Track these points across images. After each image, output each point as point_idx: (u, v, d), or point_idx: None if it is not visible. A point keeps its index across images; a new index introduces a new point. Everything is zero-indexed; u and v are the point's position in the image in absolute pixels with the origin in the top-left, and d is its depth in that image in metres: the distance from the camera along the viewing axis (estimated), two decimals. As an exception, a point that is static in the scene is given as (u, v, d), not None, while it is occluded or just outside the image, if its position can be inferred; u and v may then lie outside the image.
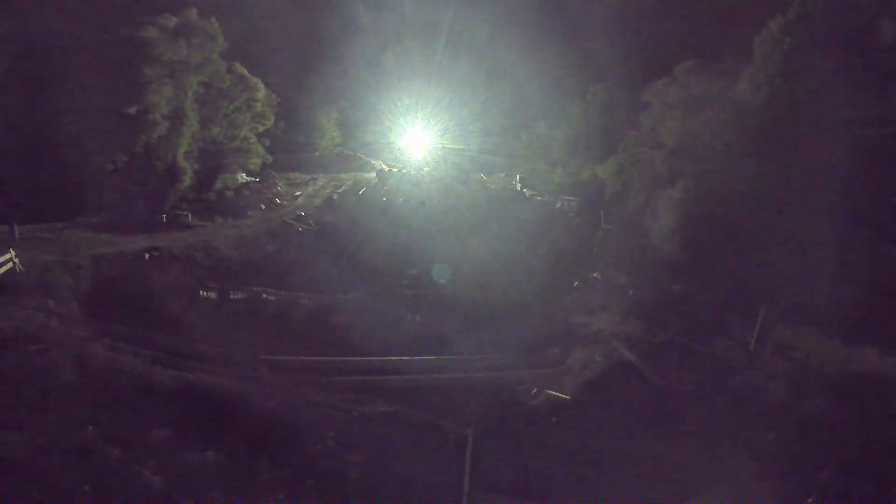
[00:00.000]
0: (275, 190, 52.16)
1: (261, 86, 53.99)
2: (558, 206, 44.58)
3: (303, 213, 41.85)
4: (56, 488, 7.86)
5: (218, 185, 46.65)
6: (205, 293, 16.80)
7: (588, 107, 72.55)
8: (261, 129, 54.14)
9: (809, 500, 7.70)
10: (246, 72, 49.80)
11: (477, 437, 5.99)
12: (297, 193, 53.78)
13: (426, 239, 33.10)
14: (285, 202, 49.07)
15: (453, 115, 70.45)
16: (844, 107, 30.16)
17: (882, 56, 30.20)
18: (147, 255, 23.78)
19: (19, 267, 18.19)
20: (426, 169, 59.19)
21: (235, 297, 16.55)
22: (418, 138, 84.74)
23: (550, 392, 9.58)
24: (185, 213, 38.24)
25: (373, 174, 62.97)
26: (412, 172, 56.69)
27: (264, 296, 16.42)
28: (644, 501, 6.68)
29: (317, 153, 78.79)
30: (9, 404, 9.83)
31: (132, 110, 32.31)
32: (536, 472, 5.62)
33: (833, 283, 29.79)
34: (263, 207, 44.99)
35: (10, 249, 20.98)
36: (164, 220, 35.61)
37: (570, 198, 45.98)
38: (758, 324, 12.28)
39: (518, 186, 64.79)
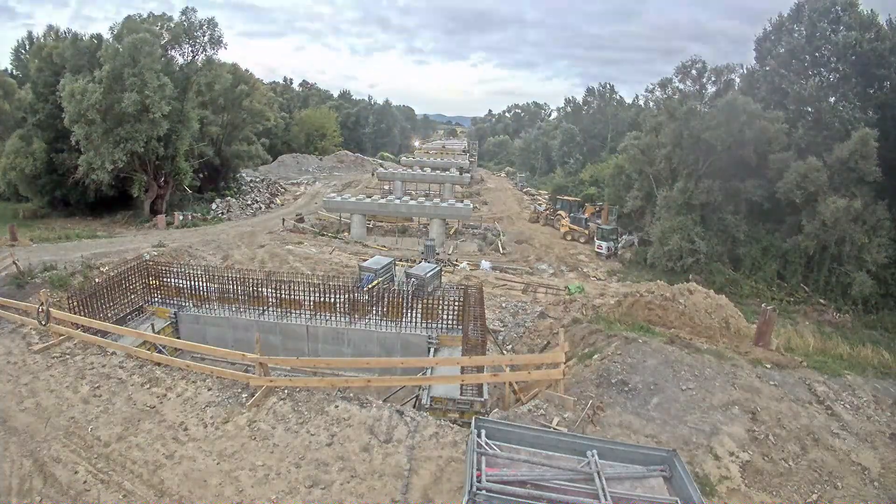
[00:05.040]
0: (275, 189, 52.27)
1: (261, 85, 54.14)
2: (558, 205, 44.58)
3: (303, 213, 41.90)
4: (57, 487, 7.85)
5: (219, 184, 46.73)
6: (205, 292, 16.75)
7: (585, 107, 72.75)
8: (261, 129, 54.29)
9: (809, 501, 7.68)
10: (247, 71, 49.97)
11: (477, 436, 6.03)
12: (298, 193, 53.94)
13: (426, 237, 33.14)
14: (286, 201, 49.21)
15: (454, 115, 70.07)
16: (841, 106, 30.08)
17: (874, 58, 30.18)
18: (147, 255, 23.81)
19: (19, 266, 18.20)
20: (426, 168, 59.28)
21: (235, 296, 16.50)
22: (418, 137, 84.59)
23: (550, 392, 9.56)
24: (186, 212, 38.35)
25: (372, 174, 63.17)
26: (412, 171, 56.79)
27: (264, 295, 16.38)
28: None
29: (317, 153, 79.08)
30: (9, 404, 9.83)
31: (132, 110, 32.32)
32: (538, 471, 5.66)
33: (832, 284, 29.89)
34: (263, 207, 45.10)
35: (10, 249, 21.01)
36: (165, 219, 35.72)
37: (571, 198, 46.00)
38: (757, 323, 12.25)
39: (518, 185, 65.03)
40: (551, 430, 8.20)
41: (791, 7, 33.53)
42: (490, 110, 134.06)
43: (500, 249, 35.33)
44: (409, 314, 15.56)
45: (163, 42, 35.92)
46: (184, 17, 37.12)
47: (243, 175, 53.30)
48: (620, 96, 73.99)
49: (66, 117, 32.93)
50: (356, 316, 15.71)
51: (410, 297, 15.85)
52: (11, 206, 40.75)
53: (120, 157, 33.51)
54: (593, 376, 10.09)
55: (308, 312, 15.84)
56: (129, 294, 16.32)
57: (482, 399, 11.34)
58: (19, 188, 39.04)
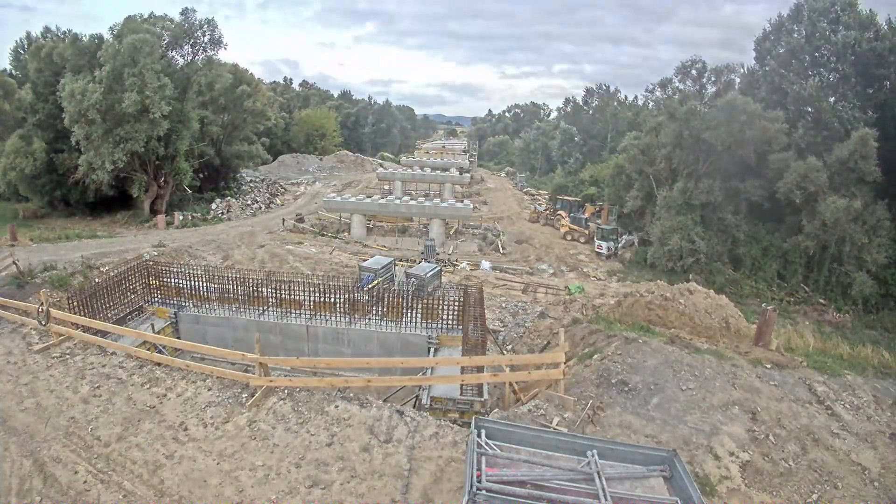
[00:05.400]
0: (275, 189, 52.28)
1: (262, 85, 54.13)
2: (558, 205, 44.57)
3: (303, 213, 41.90)
4: (57, 487, 7.85)
5: (219, 184, 46.73)
6: (205, 292, 16.75)
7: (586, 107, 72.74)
8: (261, 129, 54.28)
9: (809, 501, 7.68)
10: (248, 72, 49.96)
11: (477, 436, 6.04)
12: (298, 193, 53.95)
13: (426, 237, 33.15)
14: (286, 201, 49.21)
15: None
16: (841, 106, 30.08)
17: (871, 59, 30.17)
18: (147, 255, 23.82)
19: (19, 266, 18.20)
20: (426, 168, 59.29)
21: (235, 296, 16.51)
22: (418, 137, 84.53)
23: (550, 392, 9.56)
24: (186, 212, 38.37)
25: (373, 174, 63.19)
26: (412, 171, 56.78)
27: (264, 295, 16.39)
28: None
29: (317, 153, 79.11)
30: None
31: (132, 110, 32.32)
32: (538, 471, 5.68)
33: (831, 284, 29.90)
34: (263, 207, 45.09)
35: (10, 249, 21.01)
36: (165, 219, 35.73)
37: (571, 198, 46.00)
38: (757, 323, 12.26)
39: (518, 185, 65.00)
40: (551, 430, 8.21)
41: (790, 7, 33.58)
42: (490, 110, 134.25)
43: (500, 249, 35.33)
44: (409, 314, 15.55)
45: (163, 42, 35.93)
46: (183, 18, 37.16)
47: (243, 175, 53.29)
48: (625, 96, 74.11)
49: (66, 117, 32.96)
50: (356, 316, 15.71)
51: (410, 297, 15.85)
52: (11, 206, 40.77)
53: (120, 157, 33.52)
54: (593, 376, 10.09)
55: (308, 312, 15.85)
56: (129, 294, 16.32)
57: (482, 399, 11.34)
58: (19, 188, 39.05)
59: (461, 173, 58.20)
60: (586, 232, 38.03)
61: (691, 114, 32.78)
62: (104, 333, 12.47)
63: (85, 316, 13.52)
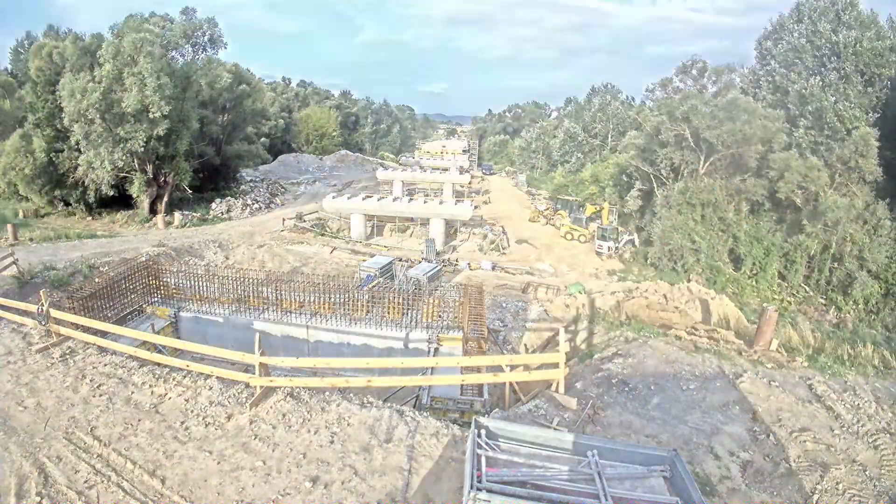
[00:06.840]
0: (275, 189, 52.26)
1: (262, 85, 54.16)
2: (558, 205, 44.56)
3: (303, 213, 41.88)
4: (57, 487, 7.84)
5: (219, 184, 46.71)
6: (205, 292, 16.74)
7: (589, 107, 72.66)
8: (261, 129, 54.24)
9: (809, 501, 7.66)
10: (248, 71, 49.94)
11: (477, 436, 6.06)
12: (298, 193, 53.93)
13: (426, 237, 33.15)
14: (286, 201, 49.19)
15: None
16: (842, 105, 30.04)
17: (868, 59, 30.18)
18: (147, 255, 23.81)
19: (19, 266, 18.21)
20: (426, 168, 59.27)
21: (235, 296, 16.49)
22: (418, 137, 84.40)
23: (550, 392, 9.56)
24: (186, 212, 38.36)
25: (373, 174, 63.17)
26: (412, 171, 56.76)
27: (264, 295, 16.37)
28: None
29: (317, 153, 79.09)
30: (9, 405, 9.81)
31: (132, 110, 32.30)
32: (538, 471, 5.70)
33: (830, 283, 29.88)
34: (263, 207, 45.08)
35: (11, 249, 21.01)
36: (165, 219, 35.73)
37: (571, 197, 45.99)
38: (758, 323, 12.25)
39: (518, 185, 64.98)
40: (551, 430, 8.20)
41: (791, 6, 33.58)
42: (490, 109, 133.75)
43: (501, 249, 35.31)
44: (409, 314, 15.55)
45: (163, 42, 35.92)
46: (184, 17, 37.14)
47: (243, 175, 53.27)
48: (627, 95, 74.00)
49: (65, 117, 32.94)
50: (356, 316, 15.70)
51: (410, 297, 15.84)
52: (11, 205, 40.77)
53: (120, 157, 33.51)
54: (593, 376, 10.09)
55: (308, 312, 15.84)
56: (129, 294, 16.31)
57: (482, 399, 11.33)
58: (19, 188, 39.04)
59: (461, 173, 58.17)
60: (586, 232, 38.00)
61: (692, 113, 32.75)
62: (104, 333, 12.46)
63: (85, 316, 13.51)
